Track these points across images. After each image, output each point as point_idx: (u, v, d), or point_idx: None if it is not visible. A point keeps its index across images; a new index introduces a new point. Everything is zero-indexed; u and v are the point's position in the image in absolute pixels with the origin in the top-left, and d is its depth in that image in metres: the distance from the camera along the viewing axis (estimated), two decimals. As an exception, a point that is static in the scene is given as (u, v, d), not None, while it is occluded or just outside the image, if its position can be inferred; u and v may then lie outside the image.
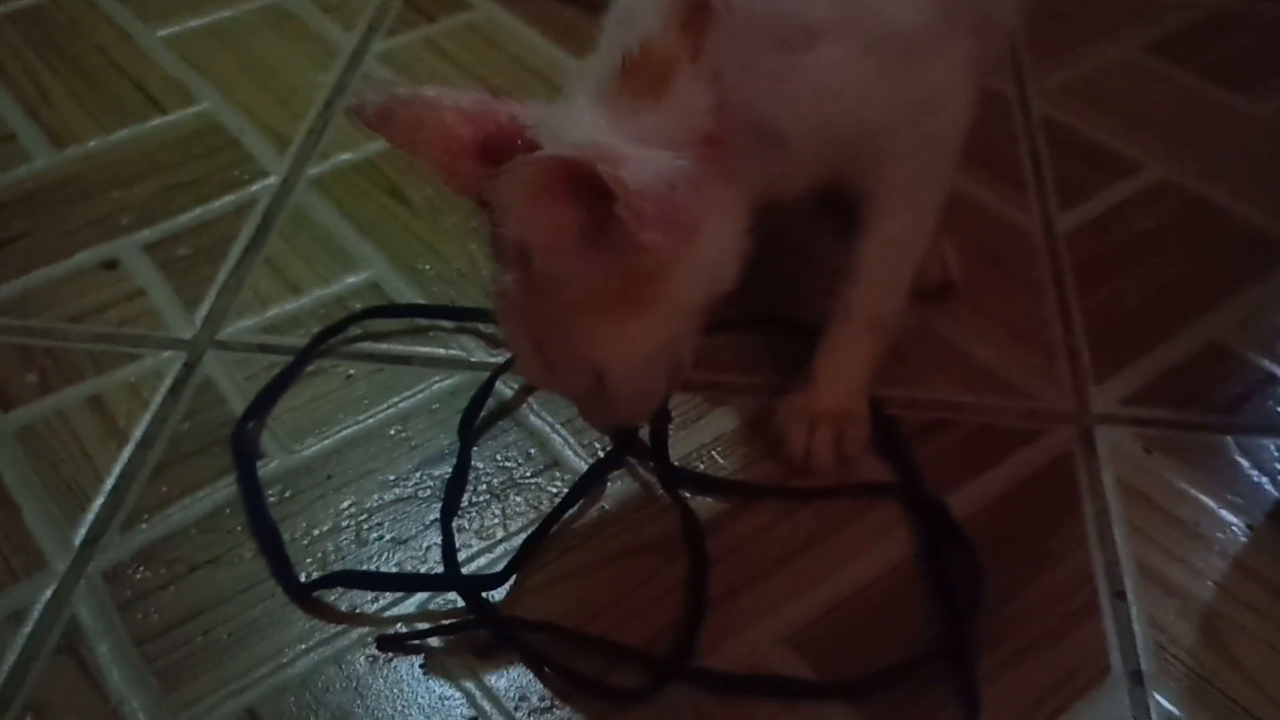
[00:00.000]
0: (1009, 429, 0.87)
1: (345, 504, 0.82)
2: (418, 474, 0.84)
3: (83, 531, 0.81)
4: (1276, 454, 0.85)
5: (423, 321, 0.95)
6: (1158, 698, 0.72)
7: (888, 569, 0.78)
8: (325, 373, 0.91)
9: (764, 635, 0.75)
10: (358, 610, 0.76)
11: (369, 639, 0.75)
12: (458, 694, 0.72)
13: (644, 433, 0.82)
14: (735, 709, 0.71)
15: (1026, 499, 0.82)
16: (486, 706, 0.72)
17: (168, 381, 0.90)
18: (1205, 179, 1.06)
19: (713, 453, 0.85)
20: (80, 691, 0.72)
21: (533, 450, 0.86)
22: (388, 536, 0.80)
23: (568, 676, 0.72)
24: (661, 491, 0.82)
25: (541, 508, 0.82)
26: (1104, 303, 0.96)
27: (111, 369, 0.91)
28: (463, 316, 0.95)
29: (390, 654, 0.74)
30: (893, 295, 0.82)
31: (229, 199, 1.06)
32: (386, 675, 0.73)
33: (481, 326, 0.94)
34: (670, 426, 0.83)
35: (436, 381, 0.90)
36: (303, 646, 0.74)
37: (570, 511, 0.81)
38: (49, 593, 0.77)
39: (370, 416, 0.88)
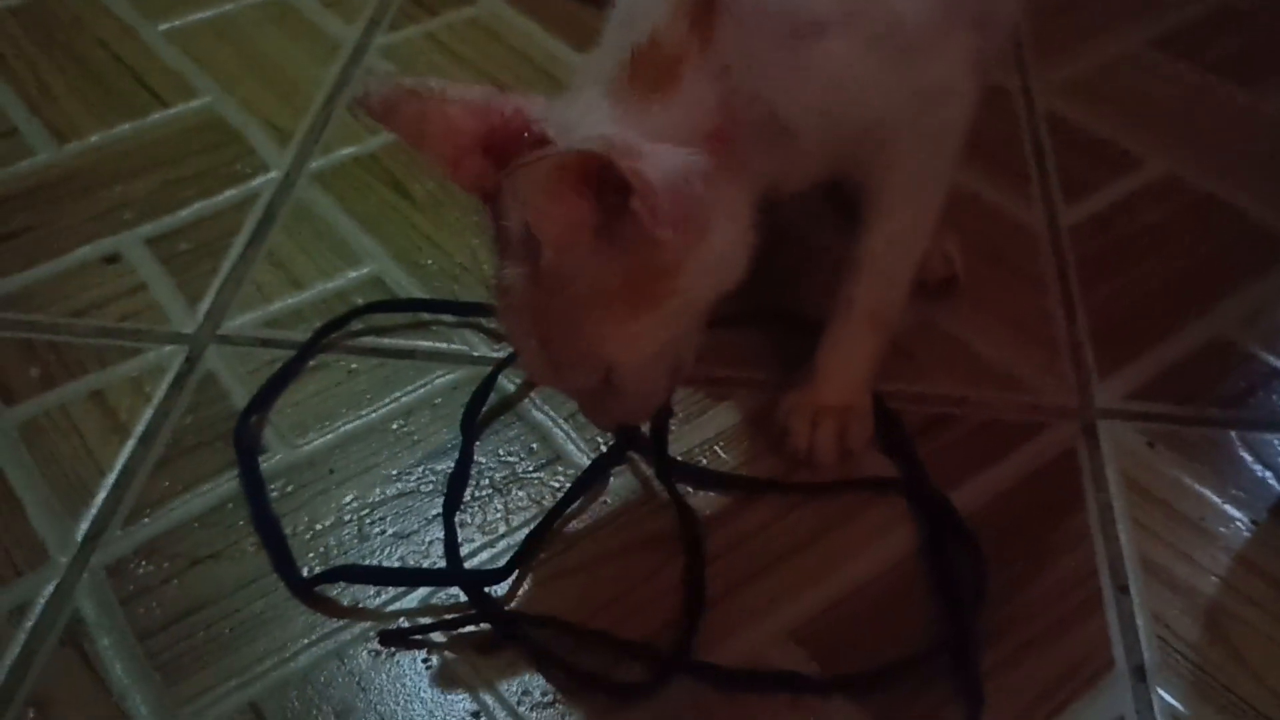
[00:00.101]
0: (1012, 424, 0.87)
1: (347, 499, 0.82)
2: (420, 469, 0.84)
3: (85, 526, 0.81)
4: (1280, 449, 0.85)
5: (425, 316, 0.95)
6: (1161, 692, 0.72)
7: (891, 564, 0.78)
8: (327, 367, 0.91)
9: (767, 630, 0.75)
10: (360, 605, 0.76)
11: (371, 634, 0.75)
12: (460, 689, 0.72)
13: (645, 428, 0.82)
14: (738, 704, 0.71)
15: (1030, 494, 0.82)
16: (489, 701, 0.72)
17: (170, 376, 0.90)
18: (1209, 174, 1.06)
19: (715, 448, 0.85)
20: (83, 686, 0.72)
21: (535, 445, 0.86)
22: (390, 531, 0.80)
23: (570, 671, 0.72)
24: (663, 485, 0.82)
25: (544, 502, 0.82)
26: (1108, 298, 0.96)
27: (113, 364, 0.91)
28: (465, 311, 0.94)
29: (393, 649, 0.74)
30: (895, 290, 0.82)
31: (231, 193, 1.06)
32: (389, 670, 0.73)
33: (484, 321, 0.93)
34: (673, 421, 0.83)
35: (439, 376, 0.90)
36: (305, 641, 0.74)
37: (572, 507, 0.81)
38: (51, 587, 0.77)
39: (372, 411, 0.88)
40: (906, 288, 0.83)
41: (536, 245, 0.65)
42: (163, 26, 1.25)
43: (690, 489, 0.82)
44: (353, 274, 0.98)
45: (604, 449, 0.84)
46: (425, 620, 0.75)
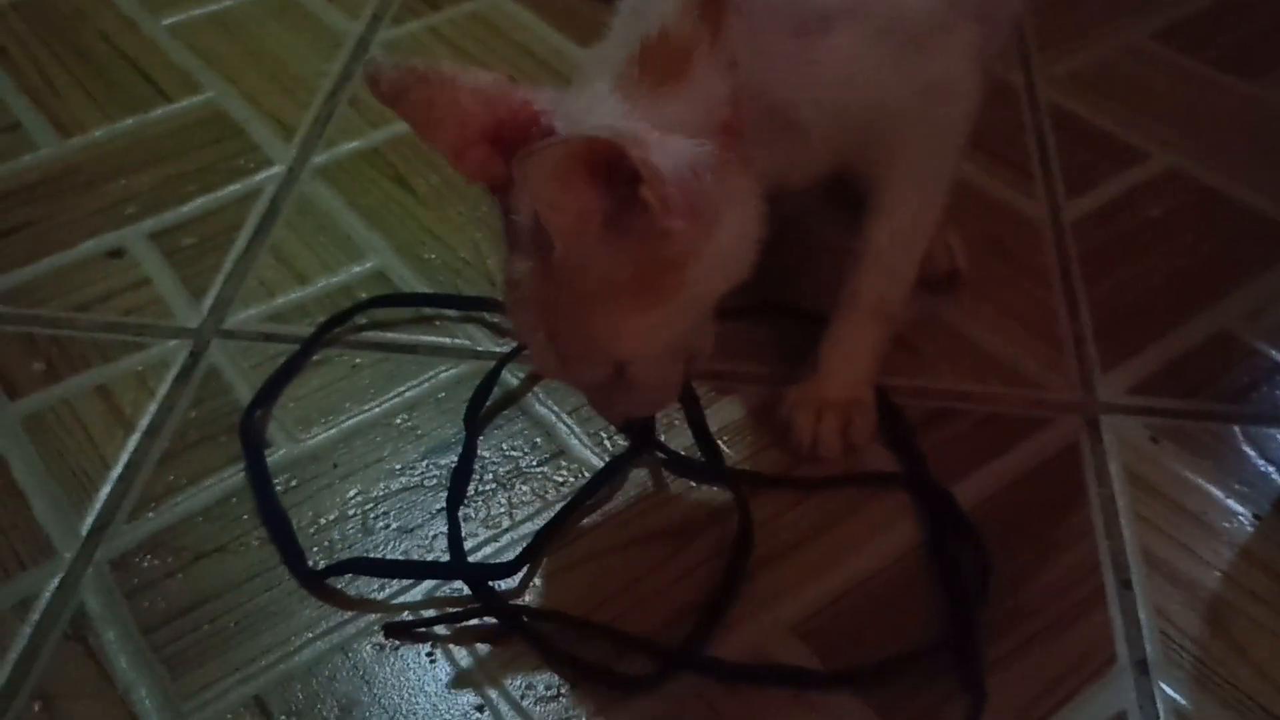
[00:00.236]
0: (1015, 418, 0.87)
1: (351, 493, 0.83)
2: (424, 463, 0.84)
3: (90, 520, 0.81)
4: (1284, 443, 0.85)
5: (428, 310, 0.95)
6: (1164, 687, 0.72)
7: (894, 558, 0.78)
8: (331, 362, 0.91)
9: (771, 624, 0.75)
10: (365, 599, 0.76)
11: (376, 627, 0.75)
12: (464, 683, 0.72)
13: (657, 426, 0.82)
14: (742, 698, 0.71)
15: (1033, 488, 0.82)
16: (493, 695, 0.72)
17: (174, 370, 0.90)
18: (1213, 167, 1.06)
19: (719, 442, 0.85)
20: (88, 679, 0.73)
21: (539, 439, 0.86)
22: (394, 525, 0.81)
23: (575, 664, 0.73)
24: (670, 479, 0.83)
25: (547, 497, 0.82)
26: (1111, 291, 0.96)
27: (118, 358, 0.91)
28: (468, 305, 0.94)
29: (397, 642, 0.74)
30: (899, 283, 0.82)
31: (234, 188, 1.06)
32: (393, 663, 0.73)
33: (487, 315, 0.94)
34: (675, 417, 0.83)
35: (442, 370, 0.90)
36: (310, 634, 0.75)
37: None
38: (56, 581, 0.78)
39: (376, 405, 0.88)
40: (911, 282, 0.83)
41: (546, 237, 0.64)
42: (166, 21, 1.25)
43: (694, 484, 0.82)
44: (356, 269, 0.98)
45: (609, 445, 0.84)
46: (430, 613, 0.75)
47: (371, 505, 0.82)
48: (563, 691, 0.72)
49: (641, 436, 0.83)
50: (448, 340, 0.93)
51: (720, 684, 0.72)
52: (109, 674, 0.73)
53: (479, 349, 0.92)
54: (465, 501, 0.82)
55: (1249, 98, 1.14)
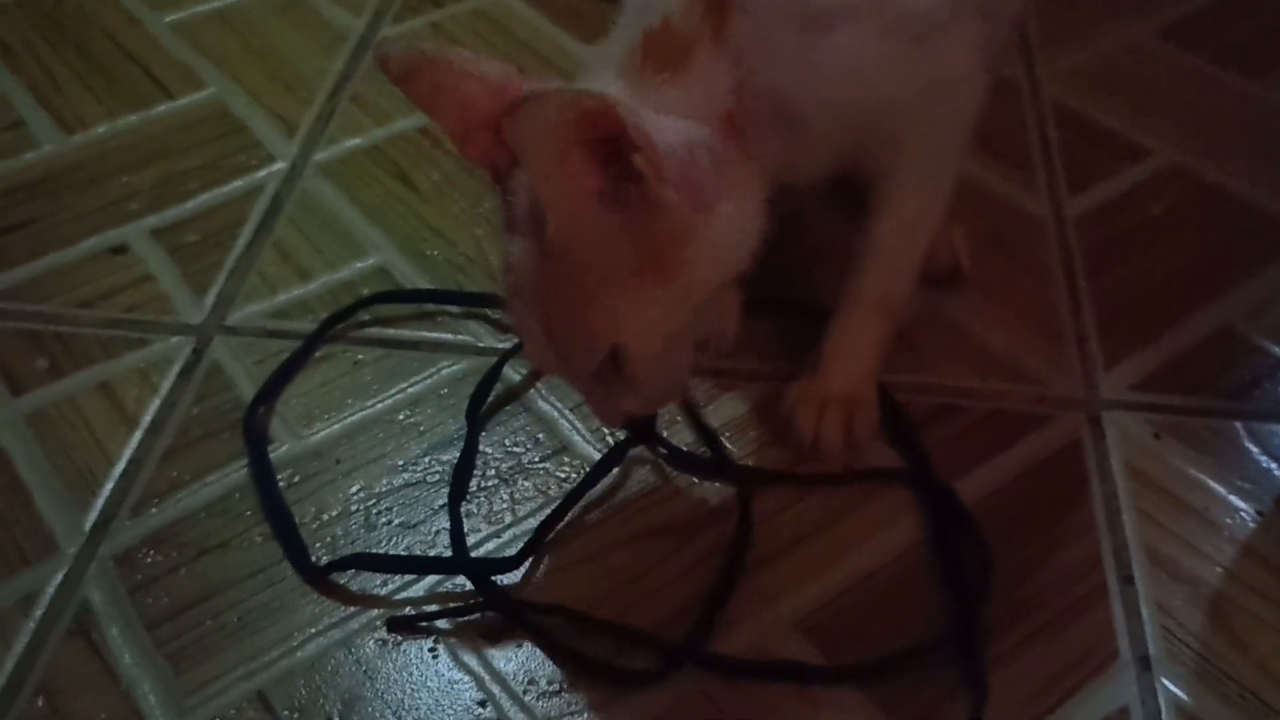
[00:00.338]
0: (1018, 414, 0.87)
1: (354, 489, 0.83)
2: (426, 459, 0.84)
3: (93, 516, 0.81)
4: (1286, 440, 0.85)
5: (431, 307, 0.95)
6: (1165, 683, 0.72)
7: (896, 554, 0.78)
8: (333, 358, 0.91)
9: (773, 620, 0.75)
10: (367, 594, 0.77)
11: (378, 623, 0.75)
12: (466, 677, 0.72)
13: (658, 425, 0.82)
14: (744, 693, 0.71)
15: (1035, 485, 0.82)
16: (495, 690, 0.72)
17: (177, 367, 0.91)
18: (1216, 164, 1.06)
19: (721, 438, 0.85)
20: (91, 674, 0.73)
21: (541, 435, 0.86)
22: (396, 521, 0.81)
23: (577, 660, 0.73)
24: (673, 475, 0.83)
25: (549, 493, 0.82)
26: (1113, 288, 0.96)
27: (121, 354, 0.92)
28: (471, 302, 0.95)
29: (400, 637, 0.74)
30: (903, 279, 0.82)
31: (237, 184, 1.06)
32: (396, 659, 0.73)
33: (489, 311, 0.94)
34: (677, 413, 0.83)
35: (445, 367, 0.90)
36: (312, 630, 0.75)
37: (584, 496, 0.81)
38: (60, 577, 0.78)
39: (379, 402, 0.88)
40: (914, 278, 0.83)
41: (542, 216, 0.64)
42: (169, 18, 1.25)
43: (695, 479, 0.82)
44: (359, 265, 0.98)
45: (613, 443, 0.84)
46: (433, 609, 0.75)
47: (374, 501, 0.82)
48: (565, 687, 0.72)
49: (643, 433, 0.83)
50: (450, 336, 0.93)
51: (722, 679, 0.72)
52: (112, 669, 0.73)
53: (481, 345, 0.92)
54: (468, 497, 0.82)
55: (1251, 95, 1.14)
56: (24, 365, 0.91)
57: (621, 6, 0.72)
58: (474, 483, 0.83)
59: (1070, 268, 0.97)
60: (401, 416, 0.87)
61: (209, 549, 0.79)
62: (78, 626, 0.75)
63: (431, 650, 0.74)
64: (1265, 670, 0.72)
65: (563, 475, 0.83)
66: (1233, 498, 0.82)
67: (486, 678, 0.72)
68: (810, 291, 0.92)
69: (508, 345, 0.91)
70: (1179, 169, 1.06)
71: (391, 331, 0.93)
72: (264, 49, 1.21)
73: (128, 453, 0.85)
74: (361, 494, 0.82)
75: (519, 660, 0.73)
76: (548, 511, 0.80)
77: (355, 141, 1.10)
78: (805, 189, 0.77)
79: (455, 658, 0.73)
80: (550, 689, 0.72)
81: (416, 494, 0.82)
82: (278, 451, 0.85)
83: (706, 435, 0.83)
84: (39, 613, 0.76)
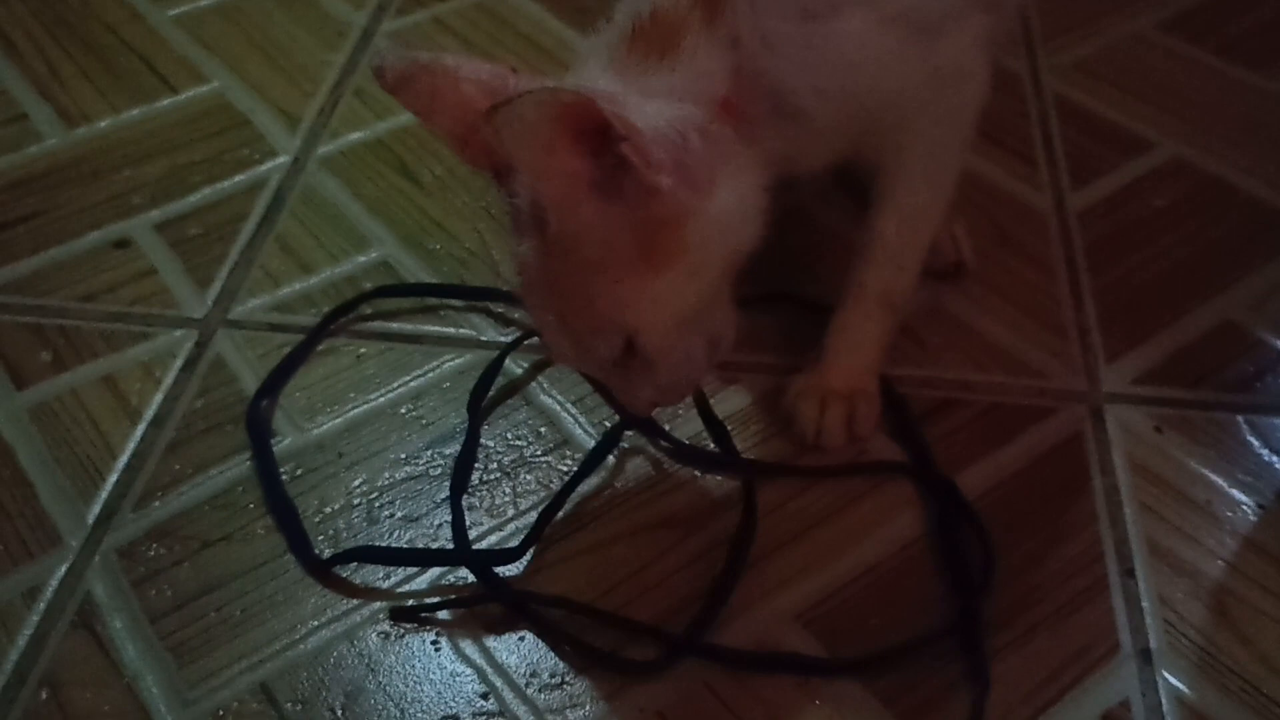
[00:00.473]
0: (1020, 408, 0.87)
1: (357, 482, 0.83)
2: (429, 452, 0.85)
3: (97, 509, 0.81)
4: (1288, 433, 0.85)
5: (433, 300, 0.95)
6: (1167, 675, 0.72)
7: (898, 547, 0.78)
8: (336, 352, 0.92)
9: (776, 612, 0.75)
10: (370, 587, 0.77)
11: (381, 615, 0.75)
12: (469, 670, 0.73)
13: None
14: (747, 685, 0.72)
15: (1037, 478, 0.82)
16: (498, 682, 0.72)
17: (180, 360, 0.91)
18: (1219, 157, 1.06)
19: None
20: (95, 667, 0.73)
21: (543, 429, 0.86)
22: (399, 514, 0.81)
23: (579, 651, 0.73)
24: (675, 467, 0.83)
25: (552, 486, 0.82)
26: (1116, 281, 0.96)
27: (124, 348, 0.92)
28: (473, 295, 0.95)
29: (402, 629, 0.74)
30: (905, 273, 0.82)
31: (240, 178, 1.06)
32: (398, 651, 0.74)
33: (492, 305, 0.94)
34: (679, 406, 0.83)
35: (447, 360, 0.91)
36: (315, 623, 0.75)
37: (585, 488, 0.81)
38: (63, 569, 0.78)
39: (381, 395, 0.88)
40: (916, 272, 0.83)
41: (542, 213, 0.64)
42: (172, 11, 1.25)
43: (698, 472, 0.82)
44: (361, 259, 0.99)
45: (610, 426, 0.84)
46: (436, 599, 0.76)
47: (377, 494, 0.82)
48: (567, 678, 0.72)
49: (645, 426, 0.83)
50: (452, 330, 0.93)
51: (725, 671, 0.72)
52: (116, 662, 0.73)
53: (484, 339, 0.92)
54: (470, 491, 0.82)
55: (1255, 88, 1.14)
56: (27, 359, 0.91)
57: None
58: (476, 476, 0.83)
59: (1072, 261, 0.97)
60: (404, 410, 0.87)
61: (212, 542, 0.79)
62: (81, 619, 0.75)
63: (434, 643, 0.74)
64: (1267, 663, 0.72)
65: (564, 468, 0.83)
66: (1234, 491, 0.82)
67: (489, 670, 0.73)
68: (812, 286, 0.92)
69: (510, 339, 0.91)
70: (1182, 162, 1.06)
71: (394, 325, 0.94)
72: (266, 43, 1.21)
73: (131, 446, 0.85)
74: (364, 487, 0.83)
75: (521, 652, 0.73)
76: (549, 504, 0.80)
77: (358, 135, 1.10)
78: (806, 180, 0.77)
79: (458, 650, 0.74)
80: (552, 681, 0.72)
81: (419, 487, 0.82)
82: (281, 445, 0.85)
83: (717, 428, 0.83)
84: (42, 605, 0.76)
